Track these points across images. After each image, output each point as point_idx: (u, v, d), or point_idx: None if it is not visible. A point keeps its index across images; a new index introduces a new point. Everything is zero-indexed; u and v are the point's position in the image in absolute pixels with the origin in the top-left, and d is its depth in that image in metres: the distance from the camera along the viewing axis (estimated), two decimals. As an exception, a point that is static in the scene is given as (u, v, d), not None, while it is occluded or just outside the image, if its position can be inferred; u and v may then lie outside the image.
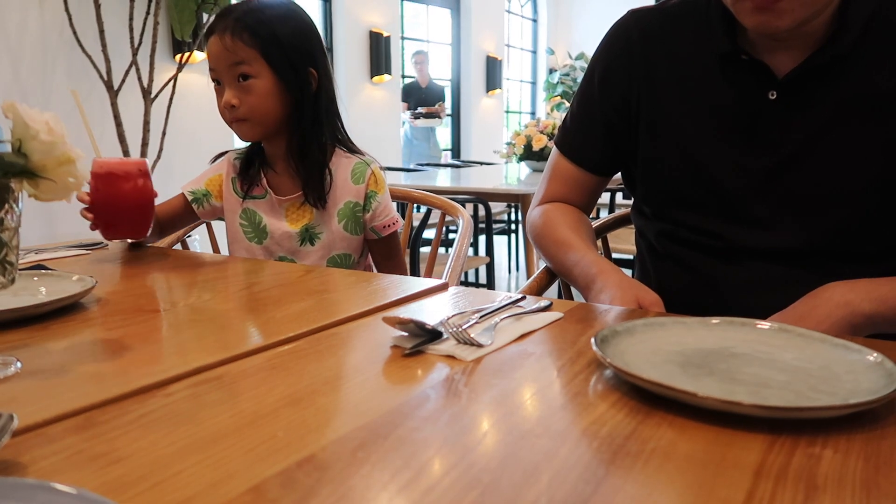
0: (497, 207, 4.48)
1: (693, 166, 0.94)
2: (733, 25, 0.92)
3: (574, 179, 1.09)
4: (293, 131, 1.26)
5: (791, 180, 0.89)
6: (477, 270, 4.28)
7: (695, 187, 0.95)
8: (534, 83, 9.57)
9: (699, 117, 0.94)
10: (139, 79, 3.39)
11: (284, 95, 1.22)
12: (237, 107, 1.20)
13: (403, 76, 6.68)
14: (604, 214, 1.80)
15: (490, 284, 3.26)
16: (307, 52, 1.23)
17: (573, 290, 1.33)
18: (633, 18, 1.01)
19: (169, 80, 3.47)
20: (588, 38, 8.47)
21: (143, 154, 3.39)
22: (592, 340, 0.60)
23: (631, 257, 1.08)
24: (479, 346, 0.66)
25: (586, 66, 1.09)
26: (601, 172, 1.08)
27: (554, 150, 1.11)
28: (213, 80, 1.23)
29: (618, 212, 1.28)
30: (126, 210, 1.11)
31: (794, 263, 0.89)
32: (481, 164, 5.91)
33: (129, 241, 1.21)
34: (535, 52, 9.48)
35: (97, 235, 1.19)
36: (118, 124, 3.33)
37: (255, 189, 1.30)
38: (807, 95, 0.88)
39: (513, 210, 4.70)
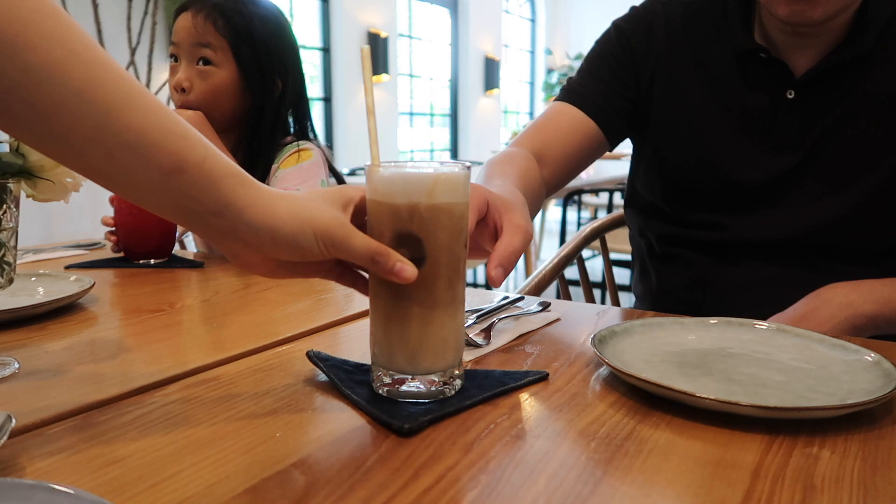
0: (495, 207, 4.47)
1: (707, 160, 0.94)
2: (751, 23, 0.92)
3: (569, 128, 0.99)
4: (247, 135, 1.20)
5: (806, 177, 0.89)
6: (475, 270, 4.28)
7: (706, 180, 0.95)
8: (532, 83, 9.57)
9: (716, 112, 0.94)
10: (137, 79, 3.39)
11: (242, 95, 1.17)
12: (188, 91, 1.14)
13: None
14: (602, 215, 1.80)
15: (488, 285, 3.27)
16: (278, 58, 1.19)
17: (572, 290, 1.33)
18: (659, 4, 1.01)
19: (167, 81, 3.48)
20: (586, 38, 8.47)
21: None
22: (590, 340, 0.60)
23: (629, 258, 1.07)
24: (477, 346, 0.66)
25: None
26: (604, 125, 1.00)
27: (551, 104, 1.05)
28: (171, 56, 1.17)
29: (616, 212, 1.28)
30: (150, 233, 1.10)
31: (797, 262, 0.89)
32: (479, 164, 5.91)
33: (153, 261, 1.12)
34: (533, 53, 9.48)
35: (94, 235, 1.19)
36: (116, 124, 3.32)
37: None
38: (825, 94, 0.88)
39: (511, 210, 4.68)
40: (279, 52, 1.20)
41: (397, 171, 0.50)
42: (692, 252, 0.97)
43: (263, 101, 1.19)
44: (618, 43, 1.01)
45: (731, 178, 0.92)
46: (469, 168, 0.52)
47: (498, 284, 0.56)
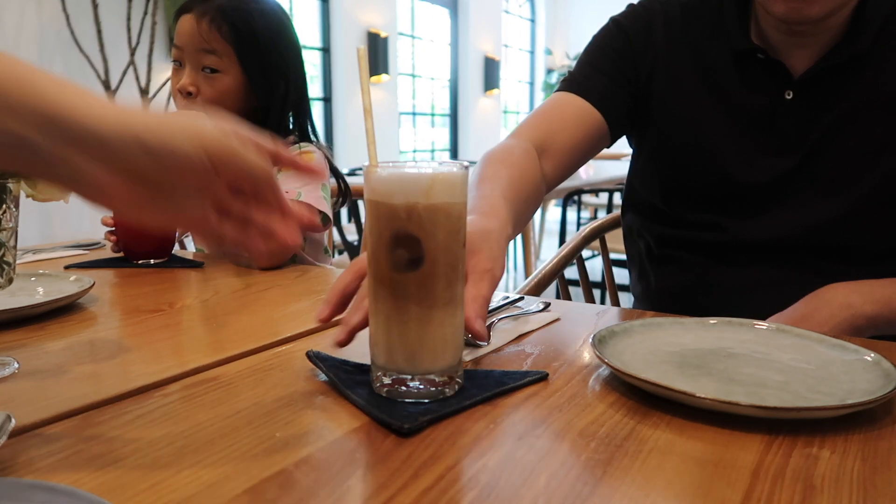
0: (495, 208, 4.46)
1: (707, 160, 0.93)
2: (747, 22, 0.91)
3: (574, 118, 0.96)
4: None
5: (806, 179, 0.89)
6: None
7: (705, 180, 0.94)
8: (532, 83, 9.57)
9: (716, 112, 0.93)
10: (137, 79, 3.39)
11: (247, 97, 1.17)
12: (194, 95, 1.14)
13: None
14: (602, 215, 1.80)
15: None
16: (282, 59, 1.18)
17: (571, 290, 1.33)
18: (657, 3, 1.00)
19: (167, 80, 3.47)
20: (586, 38, 8.37)
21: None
22: (590, 340, 0.60)
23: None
24: (477, 346, 0.65)
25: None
26: (608, 115, 0.97)
27: (551, 97, 1.02)
28: (175, 61, 1.16)
29: (616, 212, 1.28)
30: (150, 233, 1.09)
31: (797, 264, 0.89)
32: (479, 164, 5.91)
33: (153, 261, 1.11)
34: (532, 53, 9.48)
35: (94, 235, 1.19)
36: (116, 124, 3.32)
37: None
38: (823, 94, 0.87)
39: (511, 210, 4.68)
40: (283, 52, 1.19)
41: (395, 172, 0.50)
42: (691, 254, 0.97)
43: (268, 103, 1.19)
44: (618, 37, 1.00)
45: (731, 179, 0.92)
46: (467, 168, 0.52)
47: (484, 337, 0.57)
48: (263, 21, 1.16)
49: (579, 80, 0.99)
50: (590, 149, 0.99)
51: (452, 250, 0.51)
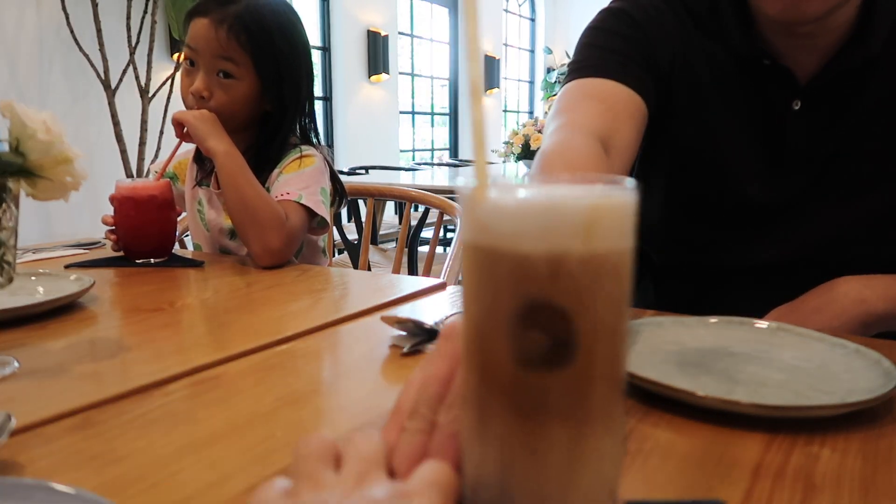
0: (495, 207, 4.46)
1: (718, 173, 0.88)
2: (748, 24, 0.83)
3: (628, 108, 0.82)
4: (258, 138, 1.20)
5: (816, 196, 0.85)
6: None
7: (714, 197, 0.89)
8: (531, 82, 9.57)
9: (726, 121, 0.86)
10: (136, 78, 3.39)
11: (259, 102, 1.17)
12: (206, 99, 1.13)
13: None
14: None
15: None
16: (296, 61, 1.18)
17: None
18: (662, 1, 0.89)
19: (166, 80, 3.47)
20: (586, 37, 8.45)
21: (141, 153, 3.38)
22: (591, 340, 0.59)
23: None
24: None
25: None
26: (650, 104, 0.84)
27: (584, 82, 0.85)
28: (186, 59, 1.15)
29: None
30: (150, 232, 1.09)
31: (806, 283, 0.84)
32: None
33: (153, 260, 1.11)
34: (532, 52, 9.48)
35: (94, 234, 1.19)
36: (115, 123, 3.32)
37: (207, 178, 1.24)
38: (833, 103, 0.81)
39: (511, 209, 4.68)
40: (296, 56, 1.19)
41: (529, 200, 0.30)
42: (693, 274, 0.94)
43: (281, 108, 1.19)
44: (630, 24, 0.88)
45: (740, 196, 0.87)
46: (634, 189, 0.30)
47: None
48: (280, 34, 1.15)
49: (612, 67, 0.84)
50: (633, 133, 0.83)
51: (618, 331, 0.30)
